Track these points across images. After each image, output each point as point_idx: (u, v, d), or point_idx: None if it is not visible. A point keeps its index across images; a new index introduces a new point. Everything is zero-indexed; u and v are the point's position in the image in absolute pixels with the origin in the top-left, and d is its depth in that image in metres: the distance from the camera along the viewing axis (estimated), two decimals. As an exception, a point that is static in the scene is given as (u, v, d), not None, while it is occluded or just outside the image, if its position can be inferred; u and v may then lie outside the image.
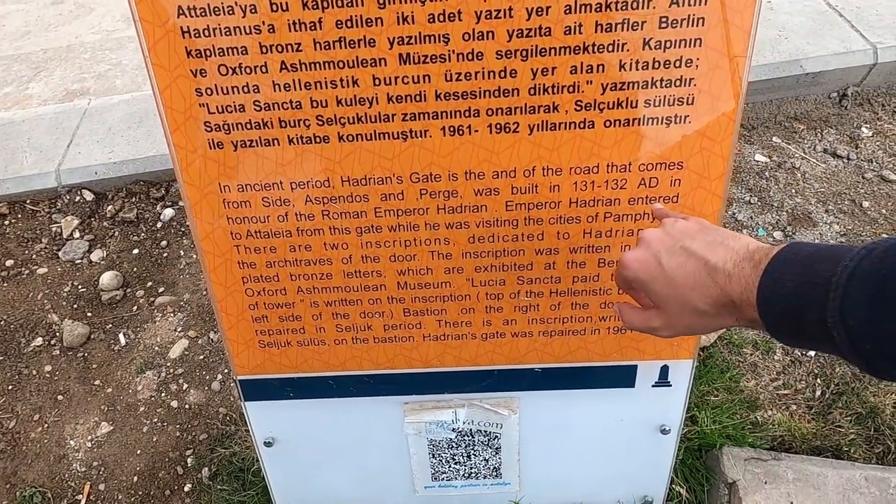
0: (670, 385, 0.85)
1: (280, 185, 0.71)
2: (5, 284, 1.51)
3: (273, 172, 0.71)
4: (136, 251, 1.58)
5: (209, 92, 0.67)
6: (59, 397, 1.29)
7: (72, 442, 1.22)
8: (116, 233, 1.62)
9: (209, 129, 0.69)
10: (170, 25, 0.63)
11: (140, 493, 1.15)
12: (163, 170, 1.69)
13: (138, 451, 1.20)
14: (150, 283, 1.51)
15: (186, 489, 1.15)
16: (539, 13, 0.61)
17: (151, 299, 1.47)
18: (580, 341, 0.81)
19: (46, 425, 1.25)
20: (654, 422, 0.88)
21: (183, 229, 1.62)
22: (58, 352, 1.37)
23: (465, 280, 0.77)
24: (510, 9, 0.61)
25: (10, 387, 1.31)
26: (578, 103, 0.65)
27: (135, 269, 1.54)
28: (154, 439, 1.22)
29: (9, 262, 1.55)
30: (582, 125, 0.66)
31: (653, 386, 0.85)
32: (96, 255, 1.57)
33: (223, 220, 0.74)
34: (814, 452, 1.06)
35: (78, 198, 1.68)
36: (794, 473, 0.98)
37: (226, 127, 0.69)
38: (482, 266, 0.76)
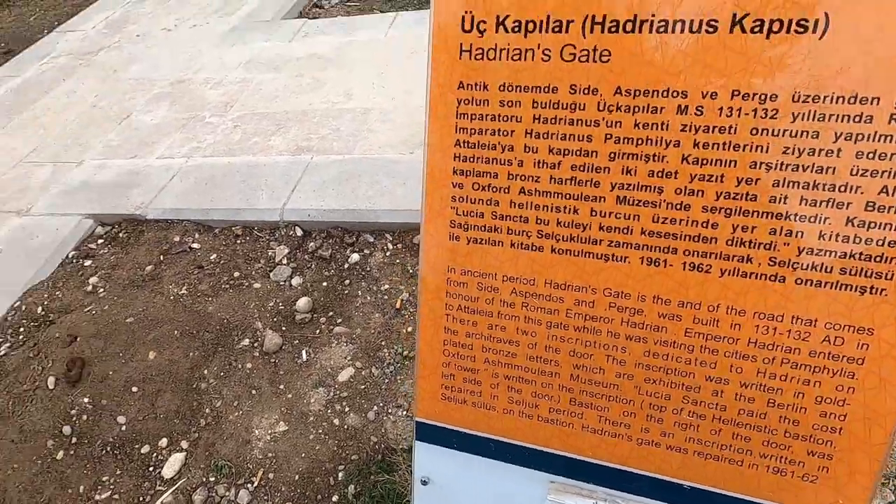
0: (829, 543, 0.83)
1: (494, 276, 0.90)
2: (231, 290, 1.93)
3: (491, 266, 0.89)
4: (325, 284, 1.91)
5: (461, 200, 0.88)
6: (253, 391, 1.60)
7: (256, 431, 1.50)
8: (313, 266, 1.98)
9: (453, 226, 0.90)
10: (448, 152, 0.87)
11: (298, 490, 1.37)
12: (356, 222, 2.05)
13: (303, 454, 1.44)
14: (331, 313, 1.81)
15: (334, 500, 1.34)
16: (748, 182, 0.72)
17: (331, 327, 1.77)
18: (735, 471, 0.85)
19: (241, 412, 1.55)
20: (805, 577, 0.86)
21: (363, 273, 1.93)
22: (258, 354, 1.71)
23: (633, 386, 0.86)
24: (722, 176, 0.73)
25: (221, 373, 1.66)
26: (773, 259, 0.74)
27: (322, 298, 1.87)
28: (316, 448, 1.44)
29: (236, 274, 1.99)
30: (773, 278, 0.74)
31: (808, 538, 0.84)
32: (296, 281, 1.94)
33: (443, 294, 0.94)
34: None
35: (291, 232, 2.10)
36: None
37: (465, 226, 0.89)
38: (651, 378, 0.85)
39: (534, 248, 0.87)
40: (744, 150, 0.72)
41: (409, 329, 1.71)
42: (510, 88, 0.82)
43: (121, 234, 2.24)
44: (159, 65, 3.48)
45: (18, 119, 3.20)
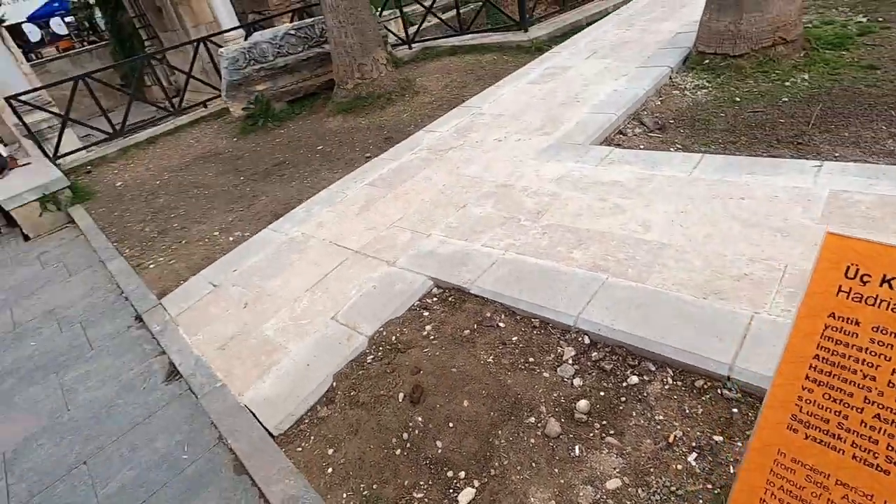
0: None
1: (827, 476, 1.04)
2: (525, 371, 2.39)
3: (826, 466, 1.04)
4: (602, 394, 2.20)
5: (807, 402, 1.07)
6: (533, 464, 1.96)
7: (532, 500, 1.84)
8: (594, 374, 2.30)
9: (794, 419, 1.09)
10: (804, 362, 1.07)
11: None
12: (642, 348, 2.29)
13: (567, 538, 1.70)
14: (605, 422, 2.08)
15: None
16: None
17: (603, 435, 2.03)
18: None
19: (521, 477, 1.92)
20: None
21: (640, 397, 2.14)
22: (540, 434, 2.08)
23: None
24: None
25: (511, 438, 2.08)
26: None
27: (598, 405, 2.15)
28: (579, 538, 1.69)
29: (531, 359, 2.45)
30: None
31: None
32: (577, 382, 2.28)
33: (766, 471, 1.12)
34: None
35: (579, 338, 2.47)
36: None
37: (806, 424, 1.07)
38: None
39: (878, 468, 0.99)
40: None
41: (679, 467, 1.84)
42: (884, 332, 0.99)
43: (450, 298, 2.99)
44: (490, 168, 4.47)
45: (393, 193, 4.53)
